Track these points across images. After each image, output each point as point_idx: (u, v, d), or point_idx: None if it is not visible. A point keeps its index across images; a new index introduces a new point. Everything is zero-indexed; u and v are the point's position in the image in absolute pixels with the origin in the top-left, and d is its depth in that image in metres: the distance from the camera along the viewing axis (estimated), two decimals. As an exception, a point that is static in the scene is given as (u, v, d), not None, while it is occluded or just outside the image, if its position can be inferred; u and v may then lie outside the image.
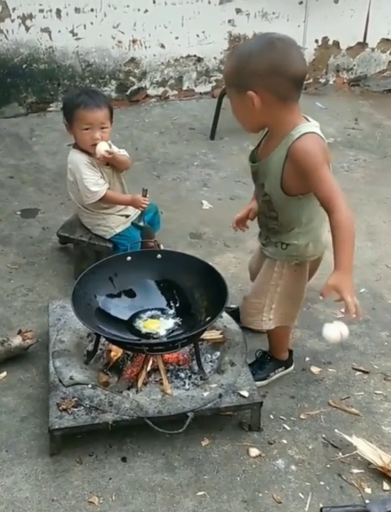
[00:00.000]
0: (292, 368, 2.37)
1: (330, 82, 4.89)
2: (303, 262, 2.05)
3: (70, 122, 2.57)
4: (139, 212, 2.68)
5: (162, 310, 2.28)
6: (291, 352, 2.37)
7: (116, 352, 2.21)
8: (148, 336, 2.18)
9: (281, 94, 1.76)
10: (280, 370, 2.33)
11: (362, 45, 4.79)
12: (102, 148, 2.52)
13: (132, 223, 2.73)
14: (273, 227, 2.02)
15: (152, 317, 2.25)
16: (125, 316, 2.25)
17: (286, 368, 2.35)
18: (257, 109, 1.77)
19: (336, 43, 4.74)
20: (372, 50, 4.84)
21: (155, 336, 2.18)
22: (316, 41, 4.66)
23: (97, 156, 2.55)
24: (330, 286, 1.75)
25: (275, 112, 1.79)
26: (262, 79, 1.72)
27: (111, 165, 2.67)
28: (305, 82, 4.56)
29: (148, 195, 2.62)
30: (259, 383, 2.24)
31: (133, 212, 2.76)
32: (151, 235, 2.80)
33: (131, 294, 2.30)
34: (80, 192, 2.62)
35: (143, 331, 2.19)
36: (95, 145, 2.55)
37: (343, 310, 1.94)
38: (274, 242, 2.04)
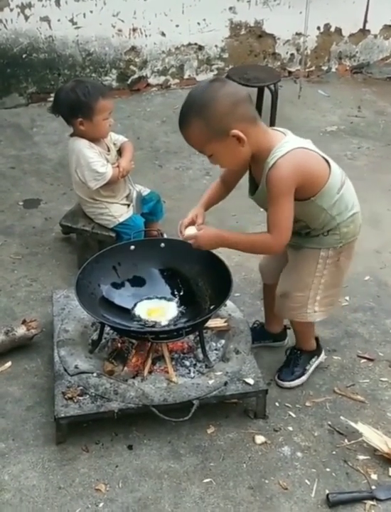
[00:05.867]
0: (323, 354, 2.34)
1: (333, 70, 4.85)
2: (348, 243, 2.01)
3: (89, 116, 2.51)
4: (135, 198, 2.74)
5: (166, 298, 2.28)
6: (317, 339, 2.33)
7: (122, 341, 2.21)
8: (152, 324, 2.17)
9: (250, 117, 1.79)
10: (314, 360, 2.30)
11: (365, 31, 4.75)
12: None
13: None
14: (308, 232, 2.00)
15: (156, 305, 2.24)
16: (129, 304, 2.25)
17: (318, 357, 2.32)
18: (245, 142, 1.77)
19: (338, 30, 4.69)
20: (375, 36, 4.79)
21: (159, 324, 2.17)
22: (318, 28, 4.61)
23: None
24: (191, 236, 1.94)
25: (254, 137, 1.80)
26: (233, 114, 1.75)
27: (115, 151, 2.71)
28: (307, 70, 4.58)
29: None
30: (299, 381, 2.25)
31: (132, 202, 2.77)
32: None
33: (134, 282, 2.30)
34: (86, 178, 2.58)
35: (148, 319, 2.19)
36: (109, 130, 2.62)
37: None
38: (313, 235, 2.00)
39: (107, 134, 2.64)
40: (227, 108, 1.73)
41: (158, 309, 2.22)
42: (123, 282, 2.28)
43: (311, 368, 2.30)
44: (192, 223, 2.02)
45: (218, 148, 1.81)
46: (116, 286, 2.27)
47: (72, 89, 2.52)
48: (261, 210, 2.02)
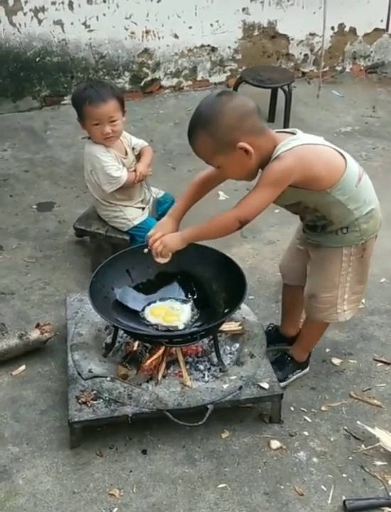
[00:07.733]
0: (307, 369, 2.33)
1: (347, 70, 4.81)
2: (369, 239, 2.00)
3: (81, 118, 2.54)
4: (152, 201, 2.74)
5: (180, 300, 2.26)
6: (309, 353, 2.33)
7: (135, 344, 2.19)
8: (166, 328, 2.16)
9: (258, 129, 1.81)
10: (298, 371, 2.29)
11: (380, 31, 4.70)
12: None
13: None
14: (324, 225, 1.97)
15: (170, 309, 2.23)
16: (143, 308, 2.23)
17: (302, 370, 2.31)
18: (252, 154, 1.79)
19: (353, 30, 4.65)
20: (390, 36, 4.74)
21: (173, 328, 2.16)
22: (332, 28, 4.56)
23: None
24: (161, 241, 2.00)
25: (263, 148, 1.82)
26: (239, 127, 1.77)
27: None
28: (322, 70, 4.53)
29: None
30: None
31: (148, 205, 2.76)
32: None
33: (148, 286, 2.29)
34: (101, 182, 2.58)
35: (162, 323, 2.17)
36: (108, 139, 2.54)
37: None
38: (331, 231, 1.97)
39: (101, 140, 2.55)
40: (233, 121, 1.75)
41: (173, 313, 2.21)
42: (137, 286, 2.27)
43: (292, 378, 2.27)
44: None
45: (225, 161, 1.83)
46: (130, 289, 2.26)
47: (77, 88, 2.62)
48: (277, 210, 1.99)
